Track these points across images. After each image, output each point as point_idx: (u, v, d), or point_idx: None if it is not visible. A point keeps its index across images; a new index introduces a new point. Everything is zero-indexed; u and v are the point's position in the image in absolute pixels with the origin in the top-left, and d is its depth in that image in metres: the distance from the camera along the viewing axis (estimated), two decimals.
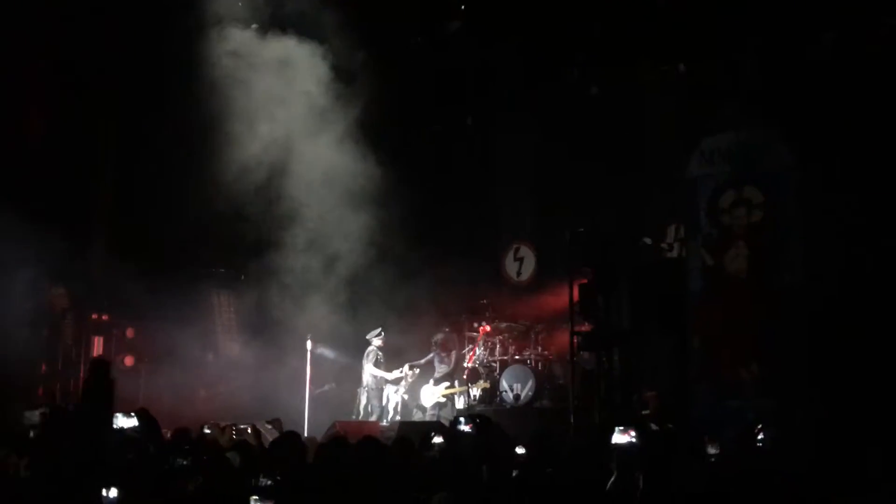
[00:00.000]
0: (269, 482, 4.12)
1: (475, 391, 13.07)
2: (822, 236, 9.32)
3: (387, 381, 13.36)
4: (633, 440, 5.72)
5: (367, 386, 13.39)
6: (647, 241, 11.34)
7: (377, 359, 13.33)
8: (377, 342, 13.38)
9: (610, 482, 5.31)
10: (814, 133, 9.54)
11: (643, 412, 10.41)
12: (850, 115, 9.58)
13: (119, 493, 3.55)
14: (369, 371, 13.35)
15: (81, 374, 13.89)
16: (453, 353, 13.47)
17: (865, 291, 9.12)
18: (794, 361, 9.43)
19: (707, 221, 10.32)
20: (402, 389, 13.40)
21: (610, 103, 13.05)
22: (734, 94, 10.95)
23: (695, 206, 10.48)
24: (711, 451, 6.15)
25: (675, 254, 11.90)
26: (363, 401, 13.40)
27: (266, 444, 7.36)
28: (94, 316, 14.37)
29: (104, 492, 3.54)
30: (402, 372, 13.29)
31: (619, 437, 5.72)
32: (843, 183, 9.35)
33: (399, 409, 13.34)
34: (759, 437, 6.84)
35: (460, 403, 13.18)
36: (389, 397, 13.43)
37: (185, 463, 4.22)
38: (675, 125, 12.10)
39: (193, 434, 7.47)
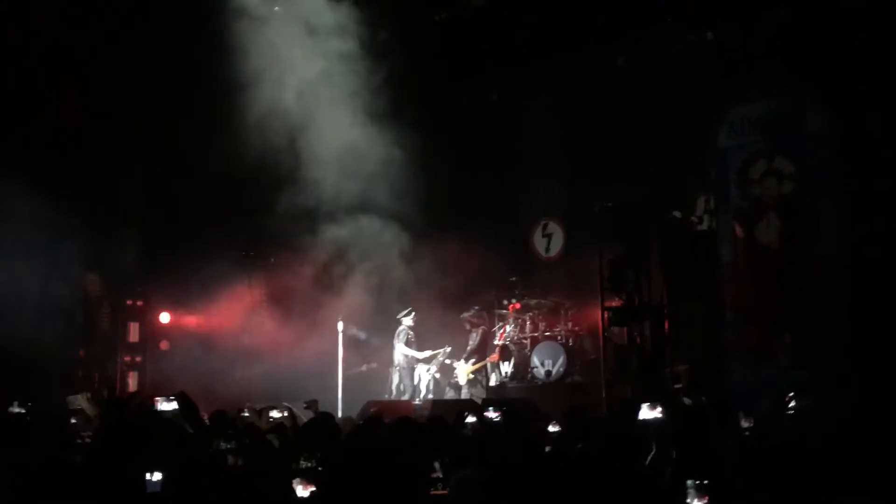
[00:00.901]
0: (309, 464, 4.18)
1: (506, 367, 13.12)
2: (858, 203, 9.17)
3: (418, 360, 13.46)
4: (661, 416, 5.72)
5: (398, 365, 13.50)
6: (677, 213, 11.25)
7: (408, 338, 13.42)
8: (408, 322, 13.48)
9: (649, 458, 5.32)
10: (848, 96, 9.32)
11: (675, 386, 10.39)
12: (885, 76, 9.35)
13: (162, 476, 3.62)
14: (400, 350, 13.45)
15: (118, 360, 14.17)
16: (480, 329, 13.49)
17: None
18: (828, 331, 9.34)
19: (737, 193, 10.23)
20: (433, 368, 13.49)
21: (637, 74, 12.87)
22: (764, 61, 10.75)
23: (725, 178, 10.38)
24: (745, 424, 6.12)
25: (705, 226, 11.77)
26: (395, 380, 13.51)
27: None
28: (130, 302, 14.59)
29: (147, 475, 3.62)
30: (440, 352, 13.34)
31: (647, 413, 5.73)
32: (879, 146, 9.16)
33: (431, 387, 13.44)
34: (791, 405, 6.82)
35: (493, 380, 13.25)
36: (421, 376, 13.53)
37: (228, 446, 4.30)
38: (703, 95, 11.91)
39: (230, 416, 7.58)
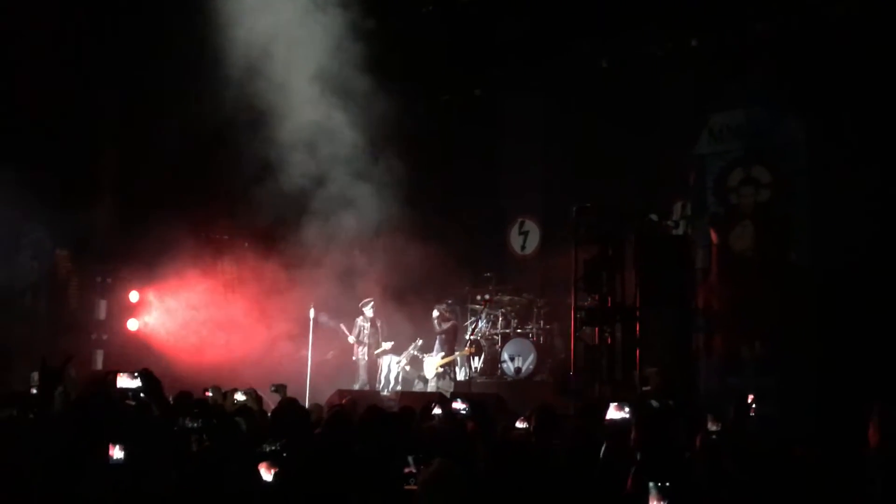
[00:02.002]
0: (275, 447, 4.13)
1: (476, 362, 13.12)
2: (831, 214, 9.28)
3: (378, 352, 13.39)
4: (628, 416, 5.74)
5: (354, 357, 13.44)
6: (654, 217, 11.29)
7: (362, 332, 13.33)
8: (368, 312, 13.36)
9: (601, 453, 5.34)
10: (825, 108, 9.43)
11: (644, 388, 10.43)
12: (864, 89, 9.47)
13: (125, 452, 3.56)
14: (355, 342, 13.39)
15: (88, 338, 13.98)
16: (450, 323, 13.45)
17: (874, 271, 9.09)
18: (797, 340, 9.44)
19: (714, 199, 10.28)
20: (403, 360, 13.44)
21: (619, 77, 12.93)
22: (745, 69, 10.84)
23: (702, 184, 10.44)
24: (713, 427, 6.16)
25: (680, 231, 11.87)
26: (361, 371, 13.44)
27: (268, 410, 7.39)
28: (99, 279, 14.40)
29: (110, 451, 3.55)
30: (413, 344, 13.29)
31: (615, 413, 5.74)
32: (854, 159, 9.27)
33: (400, 379, 13.40)
34: (752, 412, 6.87)
35: (461, 374, 13.24)
36: (391, 367, 13.48)
37: (194, 425, 4.23)
38: (684, 101, 11.99)
39: (195, 397, 7.50)
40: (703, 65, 11.95)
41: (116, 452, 3.59)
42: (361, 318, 13.39)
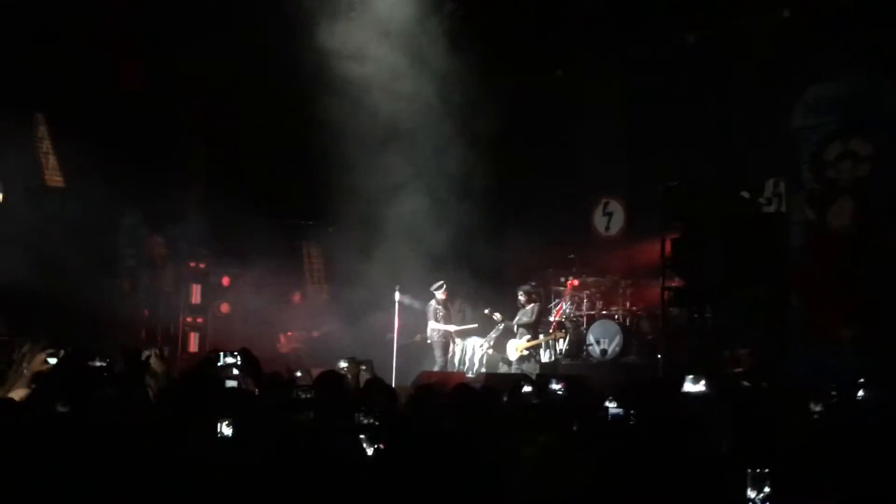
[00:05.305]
0: (370, 421, 4.20)
1: (561, 344, 13.02)
2: None
3: (452, 334, 13.43)
4: (705, 389, 5.60)
5: (429, 339, 13.51)
6: (745, 194, 10.97)
7: (437, 313, 13.38)
8: (439, 295, 13.40)
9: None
10: None
11: (736, 370, 10.19)
12: None
13: (233, 428, 3.67)
14: (431, 326, 13.44)
15: (180, 320, 14.51)
16: (535, 306, 13.35)
17: None
18: None
19: (810, 175, 9.92)
20: (487, 343, 13.45)
21: (707, 52, 12.54)
22: (841, 39, 10.37)
23: (797, 159, 10.08)
24: (815, 408, 5.96)
25: (772, 208, 11.48)
26: (437, 354, 13.50)
27: (361, 384, 7.51)
28: (192, 264, 14.90)
29: (219, 427, 3.68)
30: (494, 330, 13.29)
31: (690, 387, 5.61)
32: None
33: (485, 361, 13.42)
34: (859, 394, 6.63)
35: (545, 357, 13.17)
36: (475, 350, 13.51)
37: (307, 396, 4.34)
38: (777, 74, 11.55)
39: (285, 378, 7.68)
40: (796, 36, 11.46)
41: (224, 428, 3.71)
42: (434, 301, 13.46)
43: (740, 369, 10.19)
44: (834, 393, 6.50)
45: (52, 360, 5.57)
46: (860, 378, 6.59)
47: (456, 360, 13.55)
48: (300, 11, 12.11)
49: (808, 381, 8.88)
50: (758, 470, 3.77)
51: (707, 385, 6.13)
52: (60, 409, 4.39)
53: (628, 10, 12.78)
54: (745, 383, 8.25)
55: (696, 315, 10.80)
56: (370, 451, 3.71)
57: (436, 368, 13.15)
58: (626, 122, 14.01)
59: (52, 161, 13.93)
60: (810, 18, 11.32)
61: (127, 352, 5.35)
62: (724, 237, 10.57)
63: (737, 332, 10.75)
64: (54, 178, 13.95)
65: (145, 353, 5.79)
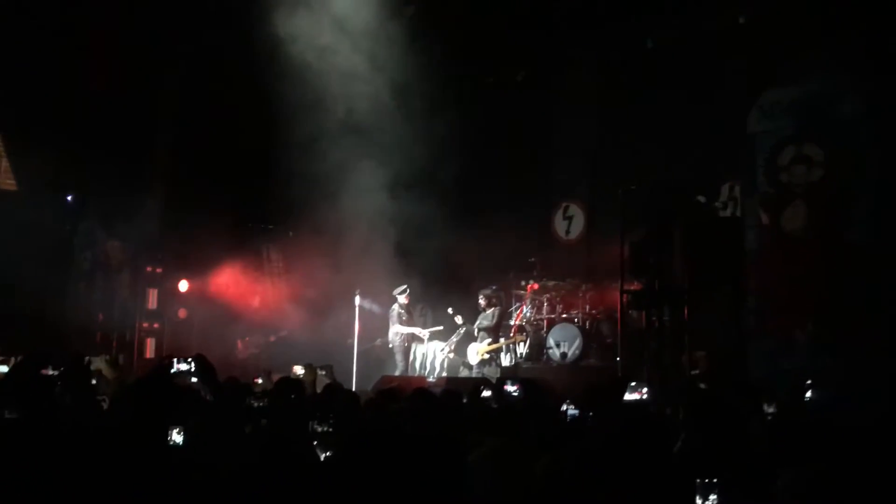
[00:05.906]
0: (325, 428, 4.15)
1: (521, 348, 13.06)
2: (893, 190, 9.01)
3: (415, 337, 13.39)
4: (644, 397, 5.65)
5: (391, 343, 13.46)
6: (702, 198, 11.11)
7: (400, 317, 13.34)
8: (401, 299, 13.36)
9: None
10: (883, 80, 9.13)
11: (693, 372, 10.30)
12: None
13: (185, 435, 3.61)
14: (394, 330, 13.38)
15: (137, 325, 14.28)
16: (496, 310, 13.37)
17: None
18: (853, 322, 9.22)
19: (765, 179, 10.07)
20: (448, 347, 13.44)
21: (665, 56, 12.69)
22: (796, 45, 10.55)
23: (752, 164, 10.24)
24: (769, 410, 6.04)
25: (728, 212, 11.66)
26: (397, 357, 13.45)
27: (319, 389, 7.45)
28: (149, 269, 14.67)
29: (171, 433, 3.61)
30: (455, 334, 13.27)
31: (631, 394, 5.65)
32: None
33: (446, 365, 13.41)
34: (808, 395, 6.73)
35: (506, 360, 13.20)
36: (436, 354, 13.49)
37: (259, 404, 4.28)
38: (733, 80, 11.73)
39: (243, 383, 7.59)
40: (752, 42, 11.65)
41: (175, 435, 3.65)
42: (397, 305, 13.41)
43: (697, 371, 10.31)
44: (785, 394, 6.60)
45: (3, 368, 5.44)
46: (808, 380, 6.67)
47: (417, 365, 13.50)
48: (258, 9, 12.03)
49: (764, 382, 9.02)
50: (706, 480, 3.72)
51: (649, 393, 6.18)
52: (8, 415, 4.29)
53: (589, 14, 12.89)
54: (702, 385, 8.34)
55: (654, 318, 10.88)
56: (322, 459, 3.67)
57: (397, 373, 13.10)
58: (585, 126, 14.13)
59: (3, 164, 13.63)
60: (766, 24, 11.52)
61: (70, 358, 5.21)
62: (682, 240, 10.67)
63: (694, 335, 10.88)
64: (6, 181, 13.66)
65: (89, 359, 5.66)
